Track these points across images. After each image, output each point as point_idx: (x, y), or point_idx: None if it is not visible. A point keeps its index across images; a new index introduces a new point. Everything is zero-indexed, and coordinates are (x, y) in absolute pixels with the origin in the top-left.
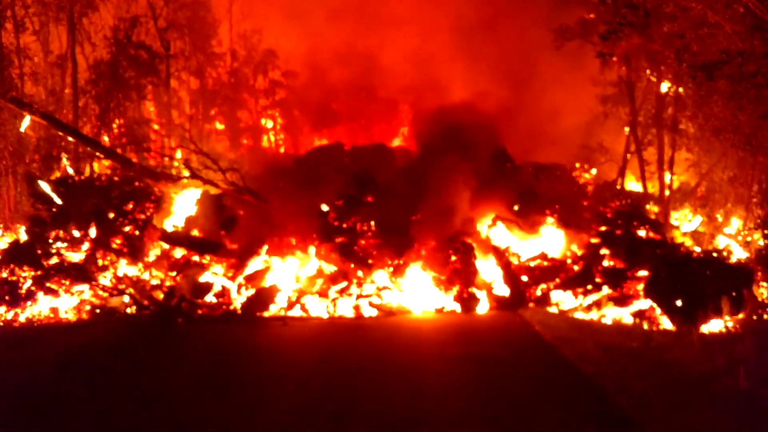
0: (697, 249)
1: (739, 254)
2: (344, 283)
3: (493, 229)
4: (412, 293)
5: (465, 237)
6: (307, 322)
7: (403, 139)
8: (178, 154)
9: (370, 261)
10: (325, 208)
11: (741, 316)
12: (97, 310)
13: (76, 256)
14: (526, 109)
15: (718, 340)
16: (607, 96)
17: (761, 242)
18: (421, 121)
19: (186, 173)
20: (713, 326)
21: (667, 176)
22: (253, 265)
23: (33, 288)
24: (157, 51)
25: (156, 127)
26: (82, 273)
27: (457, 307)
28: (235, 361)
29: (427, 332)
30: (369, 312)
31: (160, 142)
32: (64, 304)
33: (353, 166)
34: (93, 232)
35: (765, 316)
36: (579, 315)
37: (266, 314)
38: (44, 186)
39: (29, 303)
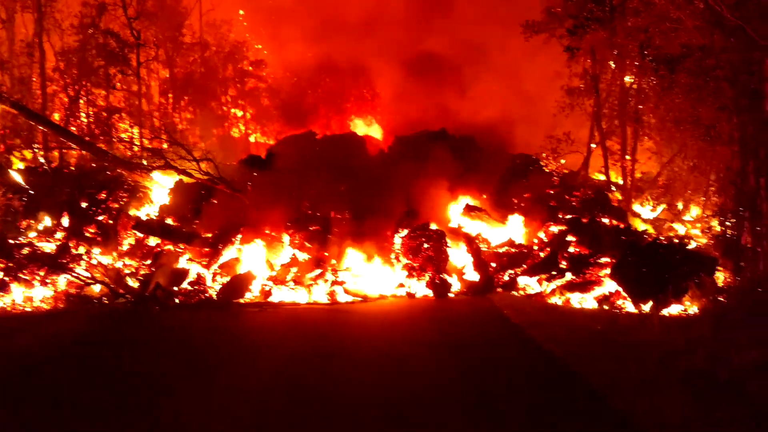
0: (661, 237)
1: (698, 241)
2: (319, 270)
3: (463, 216)
4: (386, 279)
5: (436, 224)
6: (283, 308)
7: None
8: (148, 144)
9: (343, 248)
10: (298, 196)
11: (702, 300)
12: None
13: (49, 246)
14: (495, 99)
15: (678, 323)
16: (573, 88)
17: (719, 229)
18: (392, 112)
19: (158, 163)
20: (675, 310)
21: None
22: (228, 253)
23: (6, 278)
24: (127, 40)
25: (126, 117)
26: (56, 262)
27: (430, 293)
28: (211, 347)
29: (400, 317)
30: (344, 298)
31: (132, 132)
32: (38, 294)
33: (325, 154)
34: (66, 221)
35: (722, 299)
36: (545, 299)
37: (242, 301)
38: (15, 175)
39: (1, 293)
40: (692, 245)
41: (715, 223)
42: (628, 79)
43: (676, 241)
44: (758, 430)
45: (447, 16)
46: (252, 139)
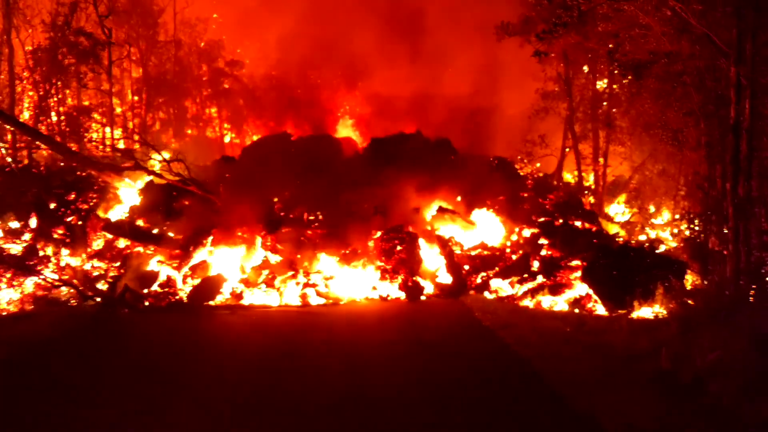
0: (632, 240)
1: (668, 244)
2: (290, 273)
3: (437, 219)
4: (359, 282)
5: (410, 227)
6: (255, 311)
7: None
8: (121, 144)
9: (316, 251)
10: (271, 198)
11: (671, 303)
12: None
13: (15, 248)
14: (471, 102)
15: (647, 326)
16: (548, 91)
17: (687, 232)
18: (368, 113)
19: (128, 164)
20: (645, 313)
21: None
22: (199, 255)
23: None
24: (99, 38)
25: (97, 116)
26: (23, 264)
27: (402, 295)
28: (180, 350)
29: (373, 320)
30: (316, 301)
31: (103, 132)
32: (5, 296)
33: (300, 156)
34: (33, 222)
35: (690, 302)
36: (517, 302)
37: (212, 304)
38: None
39: None
40: (662, 248)
41: (684, 227)
42: (600, 84)
43: (647, 244)
44: (716, 428)
45: (425, 16)
46: (227, 139)
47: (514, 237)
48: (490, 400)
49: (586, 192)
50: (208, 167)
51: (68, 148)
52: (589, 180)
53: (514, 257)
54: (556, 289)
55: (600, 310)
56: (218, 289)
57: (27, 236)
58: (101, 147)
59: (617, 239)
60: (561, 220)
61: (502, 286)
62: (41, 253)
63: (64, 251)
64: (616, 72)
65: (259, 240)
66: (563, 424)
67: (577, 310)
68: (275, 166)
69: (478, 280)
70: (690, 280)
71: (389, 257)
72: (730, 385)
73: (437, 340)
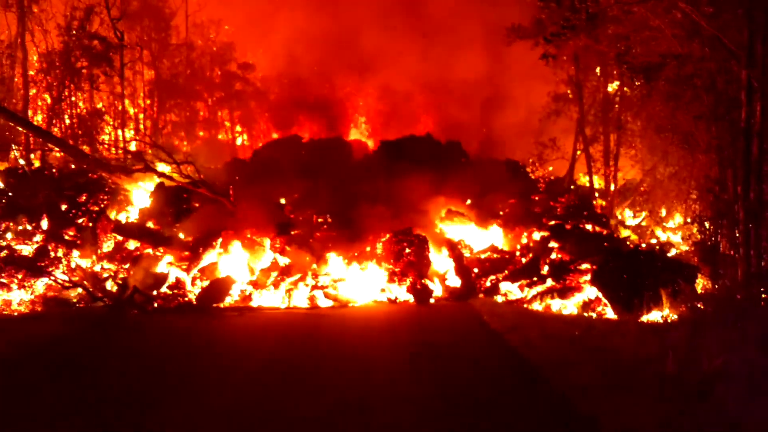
0: (643, 244)
1: (679, 248)
2: (299, 275)
3: (446, 221)
4: (367, 284)
5: (419, 229)
6: (263, 312)
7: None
8: (133, 146)
9: (325, 253)
10: (281, 200)
11: (681, 307)
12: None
13: (27, 249)
14: (481, 104)
15: (655, 329)
16: (559, 94)
17: (698, 236)
18: (377, 117)
19: (138, 166)
20: (655, 317)
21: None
22: (208, 257)
23: None
24: (111, 41)
25: (109, 119)
26: (34, 266)
27: (411, 298)
28: (188, 351)
29: (379, 323)
30: (324, 303)
31: (114, 134)
32: (16, 297)
33: (310, 158)
34: (45, 224)
35: (700, 306)
36: (526, 305)
37: (221, 305)
38: None
39: None
40: (673, 252)
41: (695, 230)
42: (611, 86)
43: (657, 248)
44: None
45: (436, 17)
46: (239, 142)
47: (525, 240)
48: (494, 402)
49: (596, 195)
50: (218, 169)
51: (80, 150)
52: (601, 183)
53: (523, 260)
54: (565, 293)
55: (610, 313)
56: (227, 291)
57: (38, 237)
58: (113, 149)
59: (628, 243)
60: (571, 224)
61: (511, 290)
62: (52, 255)
63: (75, 253)
64: (625, 75)
65: (268, 242)
66: (566, 426)
67: (586, 314)
68: (285, 168)
69: (488, 284)
70: (701, 283)
71: (398, 260)
72: (737, 389)
73: (445, 343)
